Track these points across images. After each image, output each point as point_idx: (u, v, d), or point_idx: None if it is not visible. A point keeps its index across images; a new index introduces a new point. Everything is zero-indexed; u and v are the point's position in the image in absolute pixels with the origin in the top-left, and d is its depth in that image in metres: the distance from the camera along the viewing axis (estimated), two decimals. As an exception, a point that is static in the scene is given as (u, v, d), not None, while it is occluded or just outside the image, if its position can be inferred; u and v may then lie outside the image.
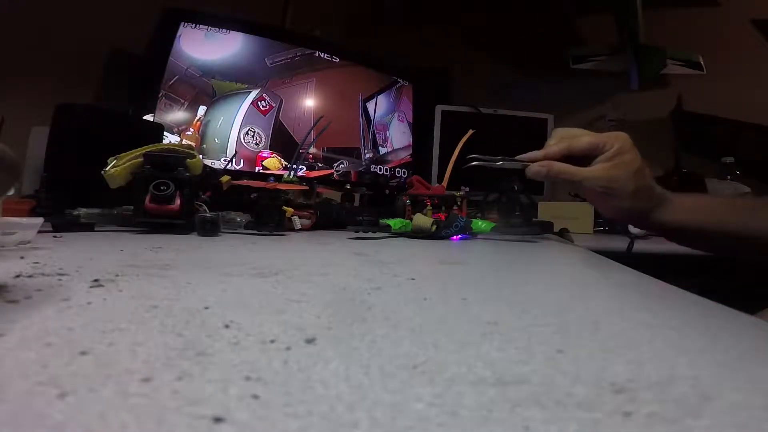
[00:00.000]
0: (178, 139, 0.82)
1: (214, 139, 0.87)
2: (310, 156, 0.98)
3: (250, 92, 0.92)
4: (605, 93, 1.46)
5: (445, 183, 0.62)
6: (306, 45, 0.99)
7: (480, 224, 0.56)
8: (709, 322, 0.18)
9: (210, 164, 0.84)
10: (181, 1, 0.83)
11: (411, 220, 0.55)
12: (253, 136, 0.91)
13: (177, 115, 0.83)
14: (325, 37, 1.14)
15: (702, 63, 1.33)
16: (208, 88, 0.87)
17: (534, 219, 0.69)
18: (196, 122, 0.85)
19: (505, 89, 1.43)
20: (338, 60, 1.03)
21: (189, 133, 0.84)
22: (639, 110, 1.44)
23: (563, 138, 0.50)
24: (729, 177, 1.22)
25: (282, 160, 0.94)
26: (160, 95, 0.81)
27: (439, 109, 1.21)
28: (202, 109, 0.86)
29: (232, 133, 0.89)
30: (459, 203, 0.60)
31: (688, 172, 1.24)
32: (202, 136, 0.85)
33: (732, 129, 1.35)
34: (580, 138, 0.49)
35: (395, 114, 1.15)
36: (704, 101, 1.38)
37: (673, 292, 0.24)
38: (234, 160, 0.86)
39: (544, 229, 0.67)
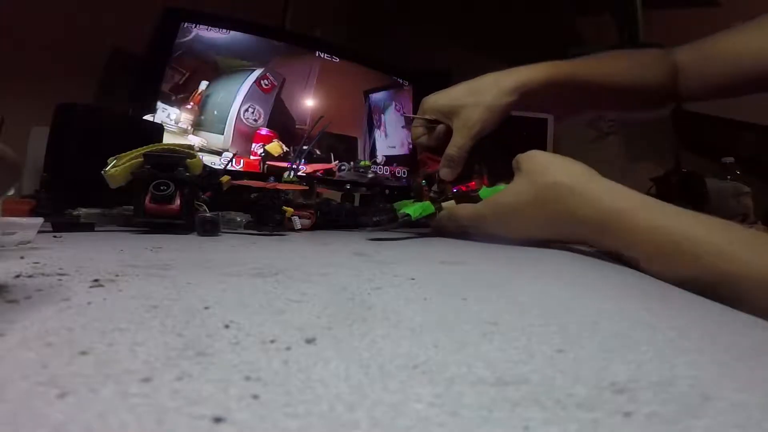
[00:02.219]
0: (177, 110, 0.82)
1: (213, 112, 0.87)
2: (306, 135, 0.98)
3: (254, 71, 0.92)
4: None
5: None
6: (306, 45, 0.99)
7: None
8: (709, 322, 0.18)
9: (205, 136, 0.85)
10: (182, 1, 0.83)
11: (431, 202, 0.51)
12: (252, 113, 0.91)
13: (177, 86, 0.83)
14: (325, 37, 1.14)
15: (702, 63, 1.33)
16: (212, 63, 0.87)
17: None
18: (197, 96, 0.85)
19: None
20: (338, 60, 1.03)
21: (189, 107, 0.84)
22: (639, 110, 1.44)
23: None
24: (729, 177, 1.22)
25: (283, 145, 0.93)
26: (166, 67, 0.81)
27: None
28: (204, 84, 0.86)
29: (232, 108, 0.89)
30: (478, 169, 0.55)
31: (688, 172, 1.24)
32: (200, 109, 0.86)
33: (732, 129, 1.35)
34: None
35: (393, 104, 1.13)
36: (704, 101, 1.38)
37: (673, 292, 0.24)
38: (234, 159, 0.86)
39: None
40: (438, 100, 0.56)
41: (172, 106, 0.82)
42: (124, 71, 0.90)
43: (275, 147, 0.94)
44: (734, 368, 0.12)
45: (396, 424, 0.08)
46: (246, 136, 0.90)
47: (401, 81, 1.15)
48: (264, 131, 0.93)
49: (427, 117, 0.57)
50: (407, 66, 1.19)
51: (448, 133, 0.55)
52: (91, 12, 0.86)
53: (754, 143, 1.34)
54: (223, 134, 0.88)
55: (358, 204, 0.97)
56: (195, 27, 0.85)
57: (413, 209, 0.48)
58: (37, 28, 0.80)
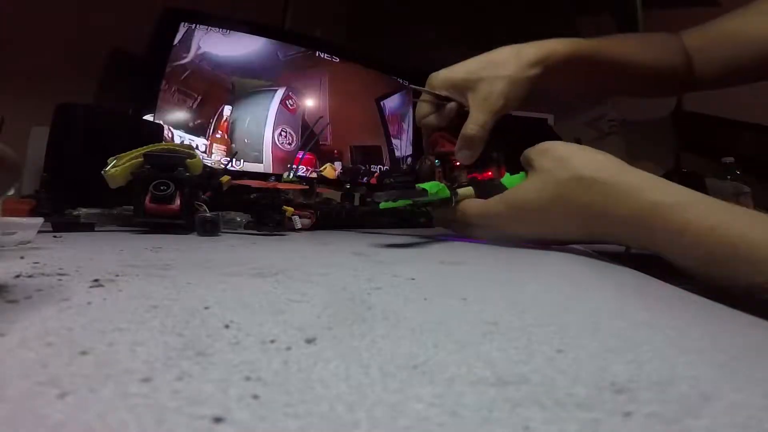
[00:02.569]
0: (206, 141, 0.81)
1: (244, 140, 0.86)
2: (336, 152, 0.98)
3: (276, 90, 0.91)
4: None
5: None
6: (306, 45, 0.99)
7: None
8: (709, 322, 0.18)
9: (245, 167, 0.84)
10: (182, 1, 0.83)
11: (445, 184, 0.46)
12: (285, 137, 0.90)
13: (191, 112, 0.81)
14: (325, 37, 1.14)
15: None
16: (226, 84, 0.85)
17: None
18: (224, 123, 0.84)
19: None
20: (338, 60, 1.03)
21: (218, 135, 0.83)
22: (639, 110, 1.44)
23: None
24: (729, 177, 1.22)
25: (336, 167, 0.94)
26: (172, 91, 0.79)
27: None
28: (227, 109, 0.84)
29: (265, 134, 0.87)
30: (496, 158, 0.48)
31: (688, 172, 1.25)
32: (231, 138, 0.84)
33: (732, 129, 1.35)
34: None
35: (410, 110, 1.14)
36: (704, 101, 1.38)
37: (673, 292, 0.24)
38: (234, 160, 0.86)
39: None
40: (450, 73, 0.49)
41: (196, 135, 0.80)
42: (124, 71, 0.90)
43: (329, 171, 0.94)
44: (734, 368, 0.12)
45: (396, 424, 0.08)
46: (284, 162, 0.89)
47: (401, 81, 1.15)
48: (301, 154, 0.91)
49: (436, 92, 0.50)
50: (407, 66, 1.19)
51: (461, 113, 0.49)
52: (91, 12, 0.86)
53: (754, 143, 1.34)
54: (262, 162, 0.88)
55: (357, 204, 0.98)
56: (201, 43, 0.83)
57: (430, 185, 0.43)
58: (37, 28, 0.80)
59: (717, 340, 0.15)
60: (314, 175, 0.90)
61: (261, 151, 0.87)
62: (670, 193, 0.32)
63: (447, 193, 0.44)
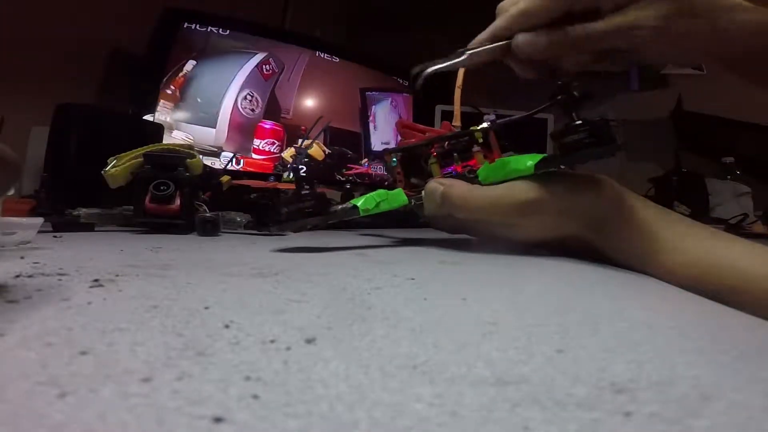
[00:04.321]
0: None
1: (197, 99, 0.76)
2: (303, 128, 0.87)
3: (255, 54, 0.82)
4: (605, 93, 1.46)
5: (456, 119, 0.40)
6: (306, 45, 0.99)
7: (514, 164, 0.32)
8: (709, 322, 0.18)
9: (191, 131, 0.75)
10: (182, 1, 0.83)
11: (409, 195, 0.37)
12: (250, 101, 0.79)
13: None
14: (325, 36, 1.14)
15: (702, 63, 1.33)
16: (203, 39, 0.77)
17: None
18: (180, 78, 0.74)
19: (505, 89, 1.43)
20: (338, 60, 1.03)
21: (168, 91, 0.73)
22: (639, 110, 1.44)
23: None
24: (729, 177, 1.22)
25: (325, 148, 0.84)
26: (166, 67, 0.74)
27: (439, 109, 1.21)
28: (190, 64, 0.75)
29: (227, 95, 0.76)
30: (481, 141, 0.36)
31: (688, 172, 1.25)
32: (181, 95, 0.75)
33: (732, 129, 1.35)
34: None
35: (389, 100, 1.07)
36: (704, 101, 1.38)
37: (673, 292, 0.24)
38: (234, 159, 0.86)
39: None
40: None
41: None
42: (124, 71, 0.90)
43: (317, 151, 0.84)
44: (734, 368, 0.12)
45: (396, 424, 0.08)
46: (243, 130, 0.78)
47: (401, 81, 1.15)
48: (268, 124, 0.80)
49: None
50: (407, 66, 1.19)
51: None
52: (91, 12, 0.86)
53: (754, 143, 1.34)
54: (215, 128, 0.75)
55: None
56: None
57: (365, 199, 0.35)
58: (37, 28, 0.80)
59: (717, 340, 0.15)
60: (275, 148, 0.79)
61: (215, 114, 0.76)
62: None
63: (403, 198, 0.36)
